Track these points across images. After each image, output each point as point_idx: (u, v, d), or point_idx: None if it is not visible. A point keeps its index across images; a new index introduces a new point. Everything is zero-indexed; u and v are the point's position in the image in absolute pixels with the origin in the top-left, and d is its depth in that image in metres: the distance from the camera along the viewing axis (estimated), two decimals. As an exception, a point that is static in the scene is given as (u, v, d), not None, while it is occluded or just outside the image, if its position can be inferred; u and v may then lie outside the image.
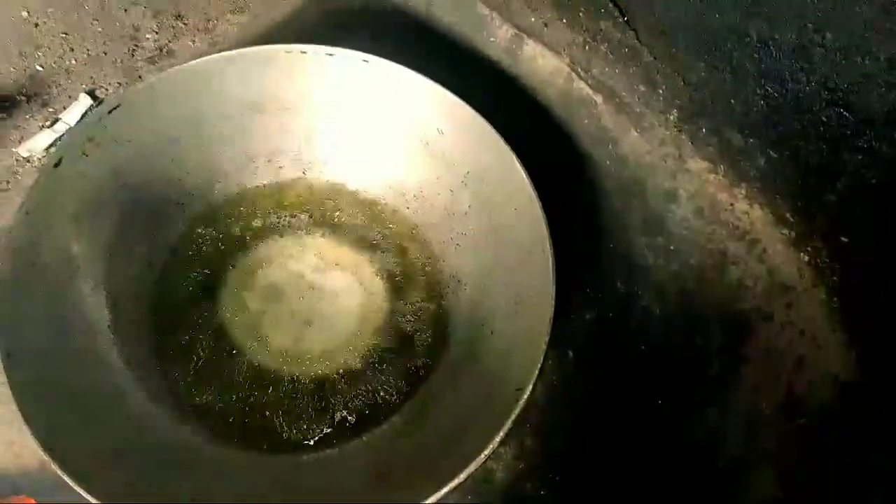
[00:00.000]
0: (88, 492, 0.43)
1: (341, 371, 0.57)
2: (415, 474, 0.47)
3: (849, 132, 0.45)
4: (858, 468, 0.54)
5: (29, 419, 0.45)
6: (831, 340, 0.56)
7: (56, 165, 0.52)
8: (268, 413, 0.55)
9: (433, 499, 0.44)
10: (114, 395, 0.51)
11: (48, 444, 0.44)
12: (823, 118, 0.45)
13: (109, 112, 0.55)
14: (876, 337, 0.54)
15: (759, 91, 0.48)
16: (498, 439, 0.45)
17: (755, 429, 0.56)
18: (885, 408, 0.54)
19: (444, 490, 0.44)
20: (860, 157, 0.45)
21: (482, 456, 0.45)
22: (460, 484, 0.51)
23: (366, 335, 0.58)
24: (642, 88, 0.56)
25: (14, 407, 0.52)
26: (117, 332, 0.54)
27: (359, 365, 0.57)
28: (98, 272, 0.54)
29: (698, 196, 0.57)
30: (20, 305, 0.49)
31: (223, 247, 0.61)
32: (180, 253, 0.60)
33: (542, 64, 0.62)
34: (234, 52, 0.58)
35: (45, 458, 0.44)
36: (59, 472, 0.43)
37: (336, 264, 0.61)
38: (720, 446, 0.55)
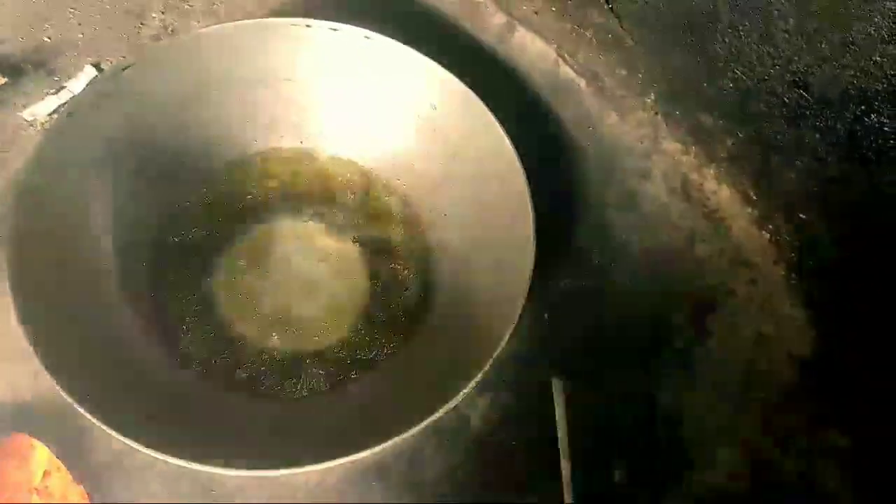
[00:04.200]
0: (90, 413, 0.45)
1: (327, 335, 0.59)
2: (394, 414, 0.50)
3: (808, 112, 0.49)
4: (815, 443, 0.57)
5: (37, 349, 0.47)
6: (790, 317, 0.60)
7: (69, 115, 0.55)
8: (252, 374, 0.57)
9: (411, 432, 0.47)
10: (117, 337, 0.53)
11: (54, 373, 0.47)
12: (786, 99, 0.50)
13: (123, 69, 0.58)
14: (831, 314, 0.58)
15: (728, 74, 0.52)
16: (476, 379, 0.48)
17: (718, 402, 0.59)
18: (841, 385, 0.58)
19: (423, 423, 0.47)
20: (818, 135, 0.50)
21: (461, 394, 0.48)
22: (439, 426, 0.55)
23: (352, 300, 0.61)
24: (623, 73, 0.60)
25: (13, 343, 0.55)
26: (122, 281, 0.56)
27: (344, 329, 0.59)
28: (106, 223, 0.57)
29: (671, 176, 0.61)
30: (31, 247, 0.51)
31: (220, 209, 0.63)
32: (180, 213, 0.62)
33: (532, 49, 0.66)
34: (242, 22, 0.61)
35: (53, 383, 0.46)
36: (63, 393, 0.45)
37: (325, 232, 0.64)
38: (684, 417, 0.59)
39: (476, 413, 0.56)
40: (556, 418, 0.55)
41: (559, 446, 0.54)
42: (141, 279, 0.58)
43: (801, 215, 0.55)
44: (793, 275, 0.59)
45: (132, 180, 0.59)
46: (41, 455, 0.53)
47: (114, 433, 0.45)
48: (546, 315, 0.60)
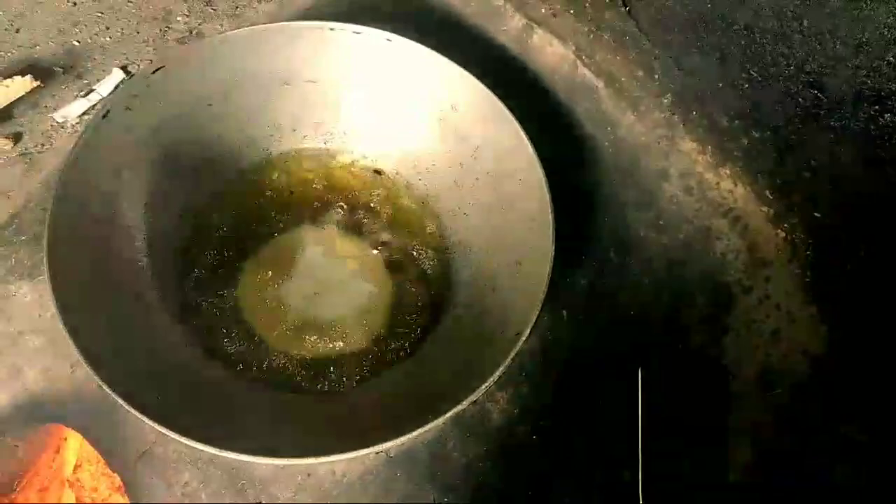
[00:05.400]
0: (126, 401, 0.47)
1: (351, 335, 0.61)
2: (418, 407, 0.51)
3: (822, 112, 0.50)
4: (828, 437, 0.58)
5: (74, 339, 0.49)
6: (804, 314, 0.61)
7: (104, 117, 0.57)
8: (280, 371, 0.59)
9: (434, 424, 0.48)
10: (151, 329, 0.55)
11: (91, 362, 0.48)
12: (800, 99, 0.51)
13: (153, 72, 0.59)
14: (844, 312, 0.59)
15: (744, 75, 0.53)
16: (496, 375, 0.49)
17: (734, 397, 0.60)
18: (853, 381, 0.58)
19: (446, 416, 0.48)
20: (832, 135, 0.50)
21: (482, 387, 0.49)
22: (461, 419, 0.56)
23: (375, 300, 0.62)
24: (640, 74, 0.61)
25: (49, 337, 0.57)
26: (154, 277, 0.58)
27: (368, 329, 0.61)
28: (137, 220, 0.59)
29: (687, 175, 0.62)
30: (69, 242, 0.53)
31: (245, 209, 0.65)
32: (206, 213, 0.64)
33: (550, 51, 0.67)
34: (266, 25, 0.63)
35: (87, 373, 0.48)
36: (102, 384, 0.47)
37: (348, 233, 0.65)
38: (700, 411, 0.60)
39: (497, 407, 0.57)
40: (640, 412, 0.55)
41: (639, 442, 0.54)
42: (171, 276, 0.60)
43: (815, 214, 0.56)
44: (808, 272, 0.60)
45: (161, 179, 0.61)
46: (74, 446, 0.54)
47: (149, 421, 0.47)
48: (565, 312, 0.61)
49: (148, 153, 0.60)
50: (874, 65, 0.45)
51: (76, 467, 0.54)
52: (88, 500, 0.53)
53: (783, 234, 0.60)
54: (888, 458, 0.56)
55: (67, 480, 0.54)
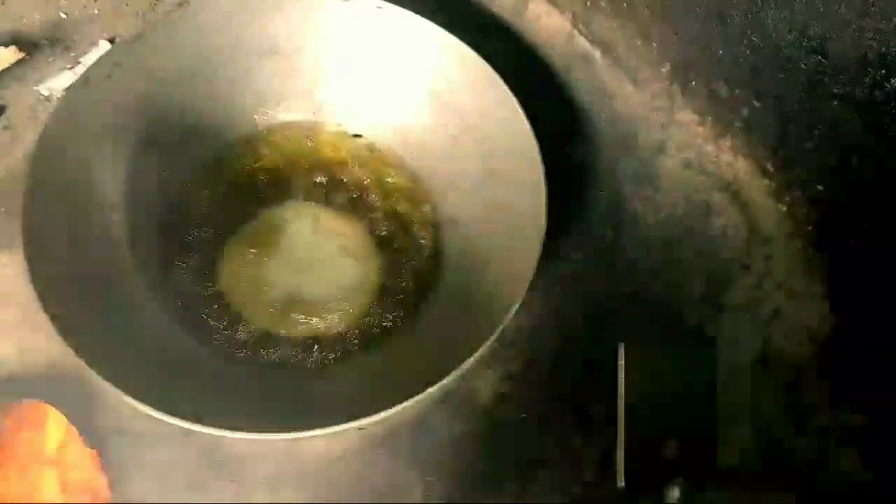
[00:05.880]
0: (105, 378, 0.46)
1: (338, 313, 0.59)
2: (402, 384, 0.50)
3: (826, 79, 0.48)
4: (828, 421, 0.56)
5: (52, 317, 0.48)
6: (806, 293, 0.59)
7: (84, 84, 0.56)
8: (263, 349, 0.57)
9: (415, 400, 0.47)
10: (129, 303, 0.54)
11: (66, 335, 0.47)
12: (803, 66, 0.49)
13: (135, 40, 0.58)
14: (848, 289, 0.57)
15: (745, 42, 0.52)
16: (481, 350, 0.48)
17: (733, 379, 0.58)
18: (858, 363, 0.57)
19: (426, 392, 0.47)
20: (836, 103, 0.49)
21: (464, 363, 0.48)
22: (447, 397, 0.55)
23: (363, 277, 0.61)
24: (638, 43, 0.60)
25: (26, 310, 0.55)
26: (133, 251, 0.57)
27: (355, 306, 0.59)
28: (117, 192, 0.57)
29: (686, 147, 0.60)
30: (44, 215, 0.52)
31: (229, 183, 0.63)
32: (190, 186, 0.62)
33: (546, 21, 0.66)
34: (254, -7, 0.62)
35: (64, 348, 0.47)
36: (76, 356, 0.46)
37: (337, 207, 0.63)
38: (695, 392, 0.58)
39: (485, 384, 0.56)
40: (619, 389, 0.53)
41: (618, 422, 0.52)
42: (152, 250, 0.58)
43: (818, 187, 0.54)
44: (810, 249, 0.58)
45: (142, 151, 0.59)
46: (55, 423, 0.53)
47: (124, 396, 0.46)
48: (558, 287, 0.59)
49: (129, 123, 0.59)
50: (881, 27, 0.43)
51: (60, 445, 0.53)
52: (71, 480, 0.52)
53: (784, 209, 0.58)
54: (889, 443, 0.54)
55: (49, 460, 0.53)
